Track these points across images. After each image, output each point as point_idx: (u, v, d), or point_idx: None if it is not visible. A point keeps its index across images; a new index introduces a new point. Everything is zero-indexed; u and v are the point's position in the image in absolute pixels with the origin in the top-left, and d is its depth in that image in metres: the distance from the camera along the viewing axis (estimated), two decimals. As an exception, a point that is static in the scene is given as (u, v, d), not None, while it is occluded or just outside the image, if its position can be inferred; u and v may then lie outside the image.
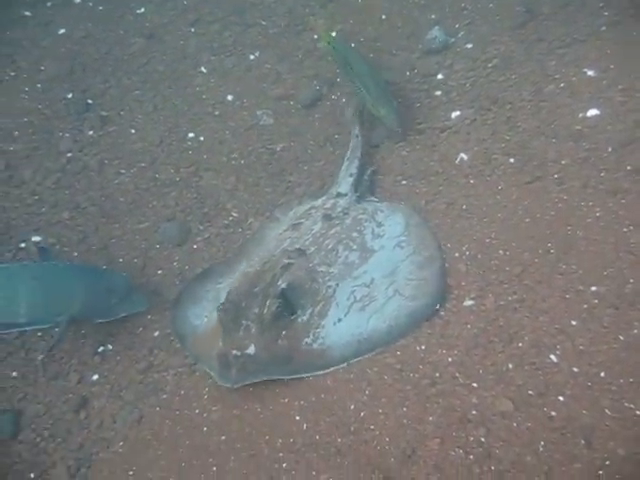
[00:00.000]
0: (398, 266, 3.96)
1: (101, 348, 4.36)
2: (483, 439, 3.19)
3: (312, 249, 4.04)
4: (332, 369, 3.63)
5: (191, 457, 3.56)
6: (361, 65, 4.90)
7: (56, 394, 4.19)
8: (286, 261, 3.89)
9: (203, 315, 4.12)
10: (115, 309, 4.26)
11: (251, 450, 3.46)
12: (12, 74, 5.92)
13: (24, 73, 5.91)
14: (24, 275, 4.08)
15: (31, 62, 5.98)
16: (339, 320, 3.73)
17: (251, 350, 3.59)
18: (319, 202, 4.51)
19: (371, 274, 3.93)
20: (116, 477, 3.65)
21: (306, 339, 3.66)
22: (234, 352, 3.60)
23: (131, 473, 3.63)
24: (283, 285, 3.71)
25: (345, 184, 4.59)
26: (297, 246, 4.06)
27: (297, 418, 3.52)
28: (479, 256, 3.93)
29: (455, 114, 4.95)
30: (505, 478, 3.07)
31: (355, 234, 4.16)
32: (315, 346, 3.65)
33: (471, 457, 3.16)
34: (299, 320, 3.70)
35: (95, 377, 4.24)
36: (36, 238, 4.90)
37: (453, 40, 5.52)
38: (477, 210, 4.23)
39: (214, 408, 3.76)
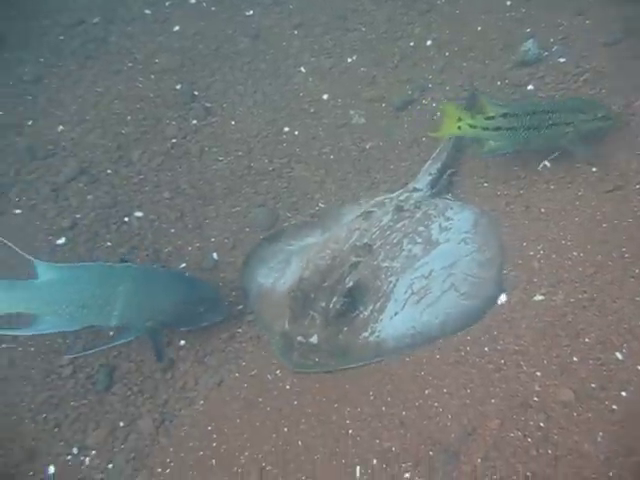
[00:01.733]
0: (459, 260, 4.15)
1: (189, 318, 4.70)
2: (542, 424, 3.31)
3: (378, 243, 4.26)
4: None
5: (265, 418, 3.83)
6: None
7: (146, 354, 4.54)
8: (354, 259, 4.13)
9: (271, 275, 4.48)
10: (199, 318, 4.33)
11: (320, 416, 3.71)
12: (129, 65, 6.43)
13: (140, 64, 6.41)
14: (124, 276, 4.14)
15: (147, 55, 6.47)
16: (395, 314, 3.97)
17: (314, 340, 3.92)
18: (395, 194, 4.73)
19: (431, 265, 4.13)
20: (196, 430, 3.97)
21: (364, 333, 3.93)
22: (299, 338, 3.94)
23: (209, 428, 3.93)
24: (350, 284, 3.99)
25: (423, 181, 4.80)
26: (365, 241, 4.27)
27: (365, 392, 3.74)
28: (553, 256, 4.06)
29: (542, 124, 5.07)
30: (561, 462, 3.19)
31: (422, 227, 4.36)
32: (371, 339, 3.91)
33: (529, 440, 3.29)
34: (360, 316, 3.96)
35: (182, 342, 4.57)
36: (138, 214, 5.33)
37: (546, 54, 5.61)
38: (555, 214, 4.35)
39: (288, 377, 4.03)
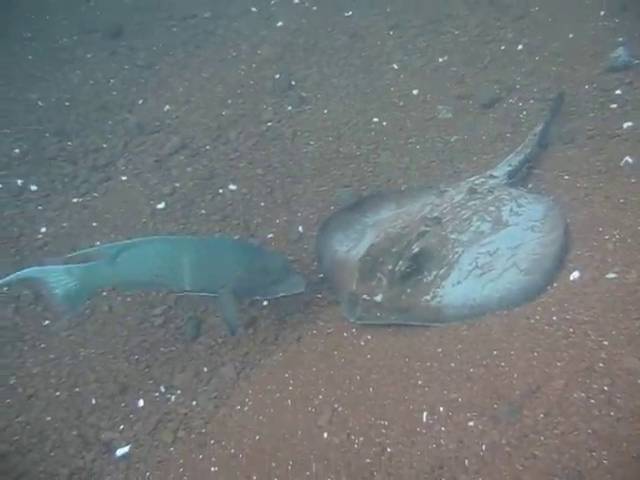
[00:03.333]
0: (525, 243, 4.30)
1: (272, 281, 5.01)
2: (606, 388, 3.42)
3: (448, 217, 4.47)
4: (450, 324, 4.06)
5: (339, 367, 4.08)
6: None
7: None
8: (423, 228, 4.37)
9: (345, 243, 4.76)
10: (272, 288, 4.44)
11: (392, 368, 3.92)
12: (234, 54, 6.94)
13: (243, 54, 6.90)
14: (188, 248, 4.31)
15: (250, 46, 6.97)
16: (458, 283, 4.15)
17: (378, 298, 4.15)
18: (473, 178, 4.94)
19: (497, 244, 4.30)
20: (274, 377, 4.25)
21: (426, 296, 4.13)
22: (364, 296, 4.17)
23: (286, 375, 4.20)
24: (416, 250, 4.21)
25: (501, 170, 4.99)
26: (435, 214, 4.50)
27: (435, 350, 3.94)
28: (629, 240, 4.16)
29: (627, 124, 5.20)
30: (622, 424, 3.29)
31: (493, 208, 4.53)
32: (432, 303, 4.11)
33: (592, 401, 3.40)
34: (424, 280, 4.18)
35: (265, 303, 4.88)
36: (232, 187, 5.72)
37: (637, 62, 5.74)
38: (634, 204, 4.44)
39: (363, 335, 4.28)
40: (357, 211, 5.03)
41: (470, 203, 4.57)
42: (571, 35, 6.20)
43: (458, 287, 4.13)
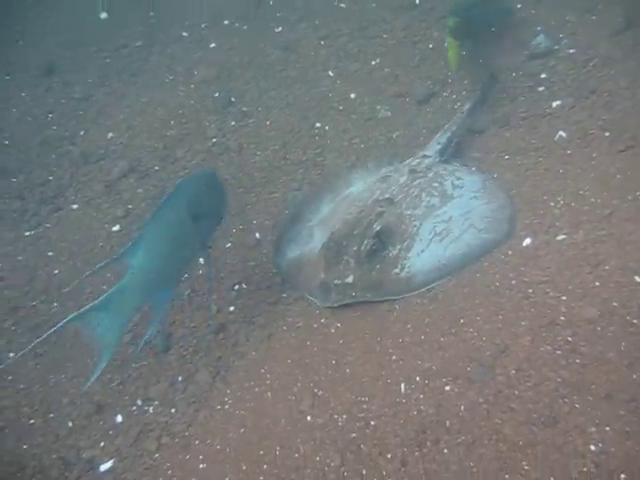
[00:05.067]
0: (474, 208, 4.59)
1: (237, 286, 5.07)
2: (570, 339, 3.61)
3: (399, 197, 4.70)
4: (419, 291, 4.28)
5: (313, 355, 4.16)
6: None
7: (199, 321, 4.90)
8: (379, 209, 4.58)
9: (298, 248, 4.94)
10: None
11: (365, 348, 4.03)
12: (171, 78, 7.03)
13: (180, 77, 7.01)
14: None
15: (186, 68, 7.08)
16: (422, 251, 4.39)
17: (350, 279, 4.35)
18: (408, 160, 5.17)
19: (450, 213, 4.57)
20: (250, 374, 4.29)
21: (395, 270, 4.34)
22: (335, 281, 4.36)
23: (262, 371, 4.26)
24: (377, 228, 4.43)
25: (432, 149, 5.23)
26: (387, 196, 4.71)
27: (404, 326, 4.07)
28: (572, 204, 4.41)
29: (556, 103, 5.50)
30: (588, 369, 3.47)
31: (436, 184, 4.80)
32: (402, 274, 4.32)
33: (558, 352, 3.58)
34: (390, 255, 4.39)
35: (232, 308, 4.92)
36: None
37: (557, 47, 6.08)
38: (572, 172, 4.72)
39: (332, 323, 4.38)
40: (299, 220, 5.22)
41: (415, 182, 4.81)
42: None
43: (423, 255, 4.34)
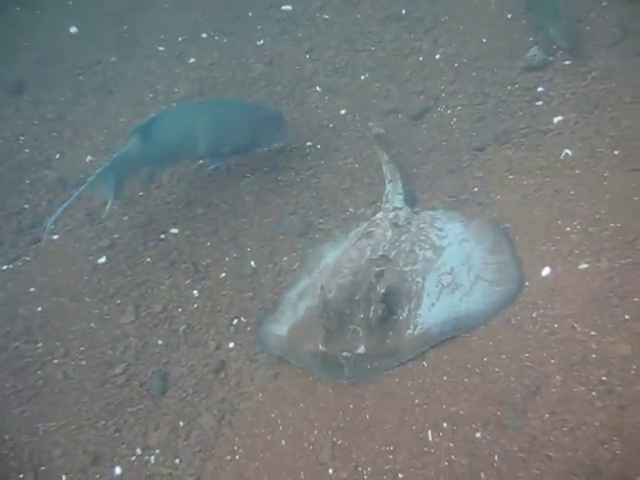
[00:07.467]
0: (470, 254, 4.35)
1: (235, 320, 4.80)
2: (604, 378, 3.44)
3: (393, 253, 4.40)
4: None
5: (328, 399, 3.92)
6: None
7: (197, 359, 4.63)
8: (377, 269, 4.25)
9: (285, 325, 4.48)
10: (270, 138, 5.40)
11: (383, 390, 3.82)
12: (151, 95, 6.70)
13: (160, 94, 6.68)
14: (202, 111, 5.20)
15: (166, 85, 6.75)
16: (432, 305, 4.08)
17: (362, 350, 3.94)
18: (380, 215, 4.86)
19: (450, 264, 4.30)
20: (259, 419, 4.03)
21: (408, 331, 4.00)
22: (344, 354, 3.96)
23: (273, 415, 4.01)
24: (382, 291, 4.04)
25: (398, 201, 4.95)
26: (380, 253, 4.41)
27: (424, 364, 3.85)
28: (590, 229, 4.24)
29: (557, 118, 5.32)
30: (627, 411, 3.30)
31: (423, 237, 4.53)
32: (416, 333, 3.99)
33: (593, 393, 3.41)
34: (400, 318, 4.04)
35: (231, 345, 4.66)
36: (174, 230, 5.48)
37: (552, 59, 5.90)
38: (585, 194, 4.54)
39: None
40: (281, 308, 4.72)
41: (403, 237, 4.53)
42: (484, 40, 6.33)
43: (434, 308, 4.06)
